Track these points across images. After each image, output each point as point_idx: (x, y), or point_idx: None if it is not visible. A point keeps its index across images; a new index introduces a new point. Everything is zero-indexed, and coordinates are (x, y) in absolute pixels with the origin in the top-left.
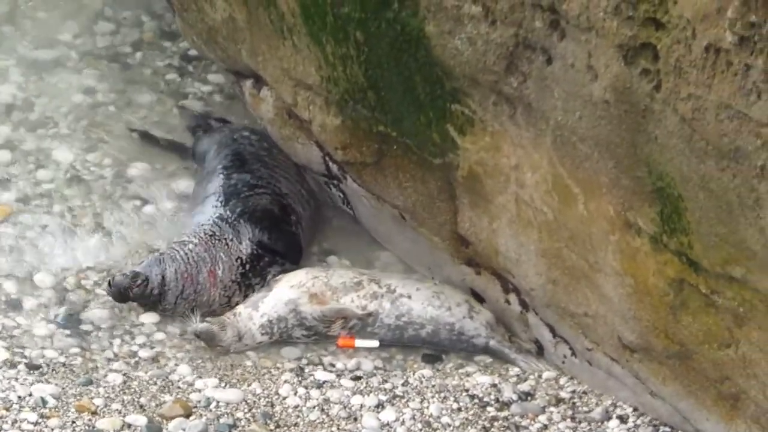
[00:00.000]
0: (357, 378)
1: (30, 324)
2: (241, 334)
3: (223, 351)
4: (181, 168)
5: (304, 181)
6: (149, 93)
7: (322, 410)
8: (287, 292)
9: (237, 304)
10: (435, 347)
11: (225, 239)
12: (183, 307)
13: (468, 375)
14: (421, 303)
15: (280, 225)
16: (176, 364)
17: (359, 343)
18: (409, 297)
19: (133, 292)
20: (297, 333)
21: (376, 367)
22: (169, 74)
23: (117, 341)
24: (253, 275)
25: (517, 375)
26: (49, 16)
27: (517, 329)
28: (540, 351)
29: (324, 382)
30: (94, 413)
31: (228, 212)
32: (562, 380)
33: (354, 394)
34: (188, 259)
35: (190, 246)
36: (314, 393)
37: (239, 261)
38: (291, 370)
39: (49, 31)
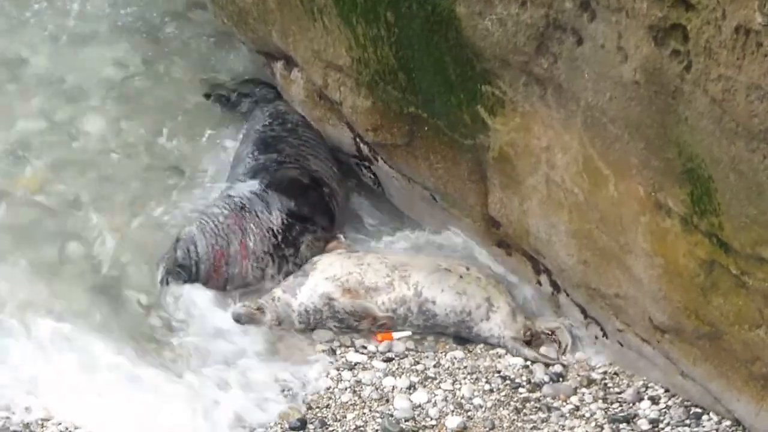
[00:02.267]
0: (389, 360)
1: (67, 292)
2: (280, 319)
3: None
4: (214, 142)
5: (334, 160)
6: (180, 64)
7: (354, 392)
8: (322, 285)
9: (271, 276)
10: None
11: (255, 211)
12: (215, 281)
13: (499, 356)
14: (444, 309)
15: (308, 191)
16: None
17: (396, 335)
18: (434, 302)
19: (175, 276)
20: (330, 324)
21: (407, 349)
22: (200, 44)
23: (153, 312)
24: (285, 246)
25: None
26: None
27: (548, 311)
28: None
29: (356, 363)
30: None
31: (257, 185)
32: (594, 361)
33: (386, 375)
34: (218, 231)
35: (221, 218)
36: (346, 375)
37: (270, 232)
38: (323, 352)
39: (81, 4)
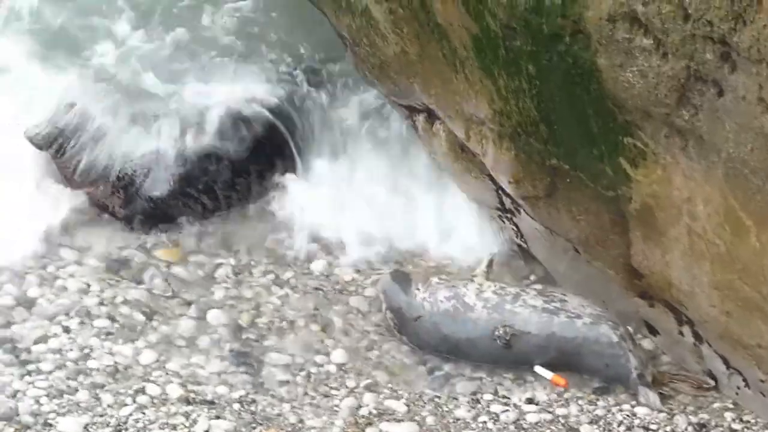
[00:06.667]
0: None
1: (204, 361)
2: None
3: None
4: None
5: None
6: None
7: None
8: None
9: None
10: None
11: None
12: None
13: (640, 405)
14: (578, 307)
15: None
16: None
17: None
18: (564, 296)
19: None
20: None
21: (549, 398)
22: None
23: (297, 378)
24: None
25: (691, 406)
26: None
27: (690, 361)
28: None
29: (499, 414)
30: None
31: None
32: (736, 412)
33: (529, 427)
34: None
35: None
36: (490, 425)
37: None
38: (467, 404)
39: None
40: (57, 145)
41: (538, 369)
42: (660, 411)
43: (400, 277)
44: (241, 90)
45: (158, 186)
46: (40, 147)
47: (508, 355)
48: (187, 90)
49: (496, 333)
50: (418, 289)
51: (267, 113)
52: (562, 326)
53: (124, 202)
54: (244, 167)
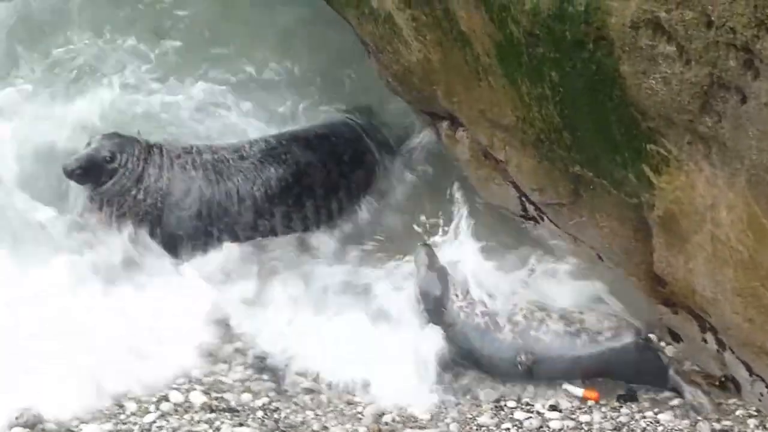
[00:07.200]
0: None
1: (227, 369)
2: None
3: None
4: None
5: None
6: None
7: None
8: None
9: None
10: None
11: None
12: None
13: (663, 413)
14: (596, 320)
15: None
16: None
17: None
18: (581, 313)
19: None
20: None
21: (572, 406)
22: None
23: (320, 385)
24: None
25: (715, 413)
26: None
27: (713, 367)
28: (737, 388)
29: (522, 421)
30: None
31: None
32: (759, 419)
33: None
34: None
35: None
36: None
37: None
38: (490, 411)
39: None
40: (95, 179)
41: (567, 387)
42: (705, 402)
43: (441, 275)
44: (267, 130)
45: (180, 221)
46: (79, 182)
47: (530, 379)
48: (213, 128)
49: (518, 359)
50: (456, 296)
51: (297, 152)
52: (585, 346)
53: (150, 231)
54: (268, 208)
